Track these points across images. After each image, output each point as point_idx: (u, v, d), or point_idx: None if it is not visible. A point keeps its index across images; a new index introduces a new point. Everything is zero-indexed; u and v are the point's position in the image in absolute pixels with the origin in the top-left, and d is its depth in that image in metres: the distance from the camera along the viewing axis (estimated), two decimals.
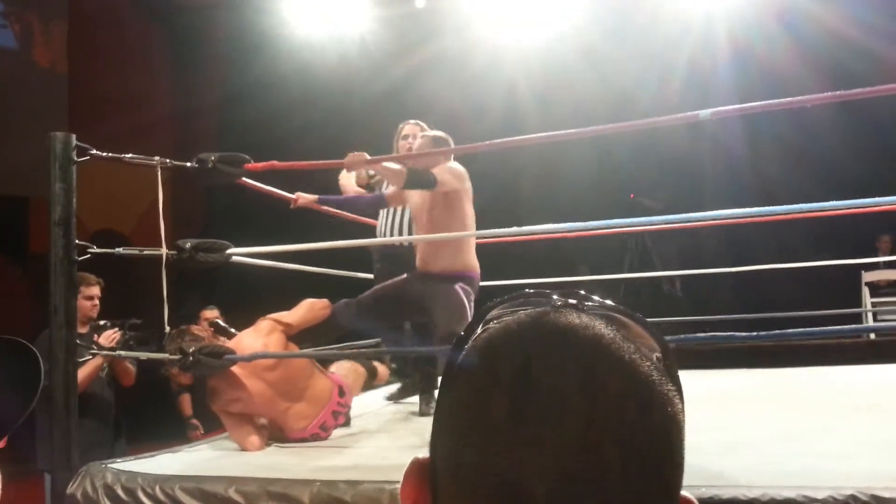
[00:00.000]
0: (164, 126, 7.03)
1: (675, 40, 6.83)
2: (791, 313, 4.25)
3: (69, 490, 2.24)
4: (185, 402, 5.04)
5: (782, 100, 2.20)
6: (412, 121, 3.69)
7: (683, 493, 0.43)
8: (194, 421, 4.94)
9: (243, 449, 2.60)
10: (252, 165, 2.54)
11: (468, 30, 6.95)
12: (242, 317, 5.62)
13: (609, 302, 0.47)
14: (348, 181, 3.78)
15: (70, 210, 2.24)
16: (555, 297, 0.46)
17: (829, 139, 6.40)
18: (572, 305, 0.45)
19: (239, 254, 2.52)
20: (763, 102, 2.32)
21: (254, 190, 2.95)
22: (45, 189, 2.29)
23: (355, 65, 7.44)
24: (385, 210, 3.57)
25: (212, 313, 5.01)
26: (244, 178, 2.66)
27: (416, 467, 0.45)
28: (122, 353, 2.27)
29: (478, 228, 3.12)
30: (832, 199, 2.33)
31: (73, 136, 2.27)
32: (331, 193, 3.61)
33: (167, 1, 7.46)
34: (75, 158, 2.25)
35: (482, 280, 3.11)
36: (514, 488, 0.39)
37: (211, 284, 5.24)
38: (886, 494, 1.64)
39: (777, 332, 2.13)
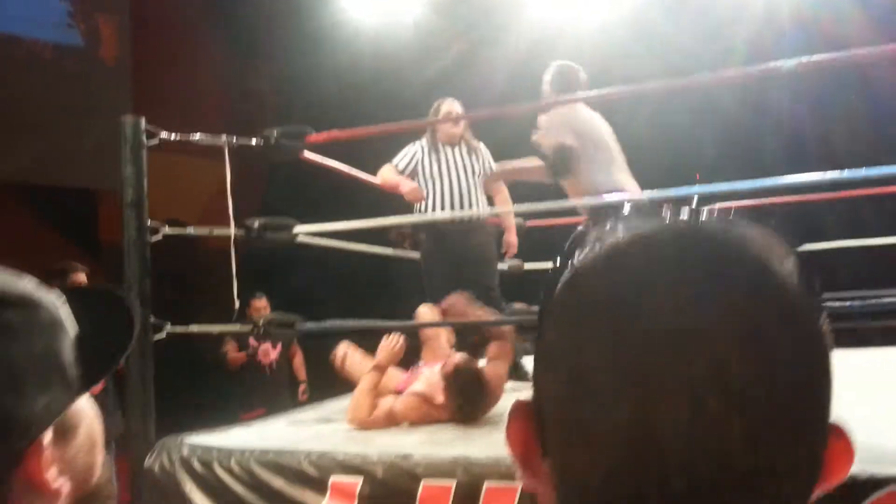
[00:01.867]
0: (222, 116, 7.17)
1: (735, 17, 6.60)
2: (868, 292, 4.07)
3: (147, 464, 2.31)
4: (236, 359, 5.18)
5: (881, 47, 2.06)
6: (449, 99, 3.60)
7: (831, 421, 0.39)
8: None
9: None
10: (314, 137, 2.56)
11: (521, 10, 6.87)
12: (292, 306, 5.71)
13: (731, 213, 0.42)
14: (390, 173, 3.57)
15: (142, 193, 2.30)
16: (665, 210, 0.42)
17: None
18: (689, 218, 0.41)
19: (305, 232, 2.55)
20: (849, 52, 2.20)
21: (313, 167, 2.94)
22: (112, 180, 2.35)
23: (408, 51, 7.44)
24: (431, 177, 3.49)
25: (260, 303, 5.15)
26: (306, 154, 2.68)
27: (520, 410, 0.43)
28: (196, 327, 2.31)
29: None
30: None
31: (143, 120, 2.33)
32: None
33: None
34: (145, 142, 2.30)
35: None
36: (640, 429, 0.36)
37: (264, 273, 5.33)
38: None
39: None
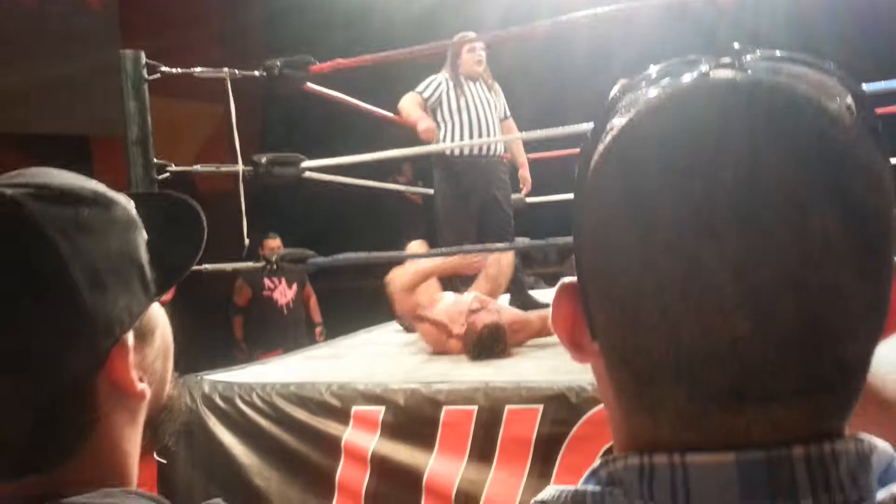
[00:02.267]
0: (214, 47, 6.98)
1: None
2: None
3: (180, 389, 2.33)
4: (238, 324, 5.28)
5: None
6: (471, 33, 3.50)
7: None
8: (243, 345, 5.18)
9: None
10: (318, 67, 2.49)
11: None
12: (303, 245, 5.72)
13: (779, 53, 0.38)
14: (412, 104, 3.50)
15: (146, 129, 2.25)
16: (704, 60, 0.38)
17: None
18: (730, 64, 0.37)
19: (313, 167, 2.51)
20: None
21: (314, 104, 2.89)
22: (105, 126, 2.29)
23: None
24: (457, 112, 3.46)
25: (274, 242, 5.14)
26: (309, 85, 2.61)
27: (567, 291, 0.42)
28: (209, 266, 2.30)
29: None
30: None
31: (143, 54, 2.25)
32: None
33: None
34: (146, 76, 2.23)
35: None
36: (697, 305, 0.34)
37: (277, 211, 5.33)
38: None
39: None
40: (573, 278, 0.41)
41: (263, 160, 2.38)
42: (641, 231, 0.36)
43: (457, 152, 3.42)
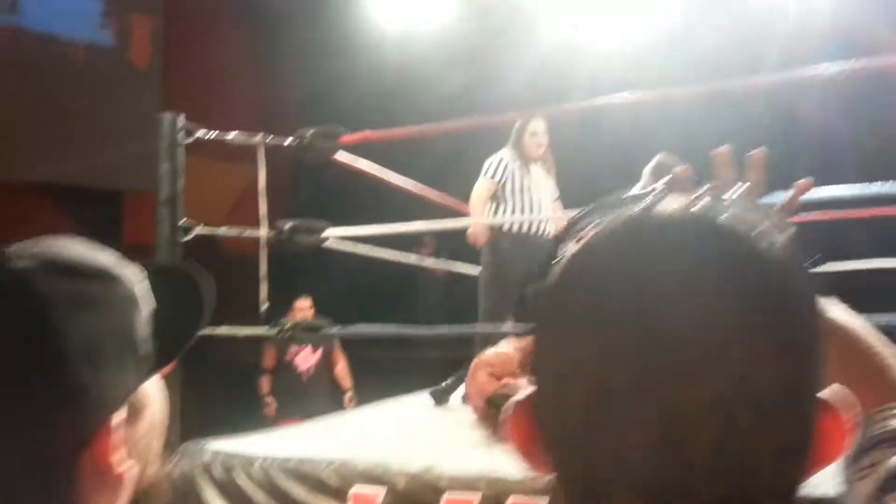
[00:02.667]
0: (251, 121, 7.21)
1: (768, 30, 6.52)
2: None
3: (167, 469, 2.28)
4: (264, 383, 5.24)
5: None
6: (537, 118, 3.71)
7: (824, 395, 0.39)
8: (268, 399, 5.14)
9: None
10: (347, 138, 2.53)
11: (549, 21, 6.85)
12: (332, 308, 5.70)
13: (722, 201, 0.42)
14: (483, 197, 3.66)
15: (176, 190, 2.28)
16: (646, 199, 0.42)
17: None
18: (666, 209, 0.40)
19: (336, 235, 2.52)
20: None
21: (341, 173, 2.92)
22: (140, 181, 2.34)
23: (433, 58, 7.44)
24: (520, 192, 3.60)
25: (304, 303, 5.16)
26: (339, 156, 2.65)
27: (523, 405, 0.43)
28: (223, 329, 2.28)
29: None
30: None
31: (181, 117, 2.31)
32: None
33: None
34: (182, 140, 2.28)
35: None
36: (668, 443, 0.36)
37: (305, 274, 5.34)
38: None
39: None
40: (529, 391, 0.43)
41: (286, 226, 2.39)
42: (579, 357, 0.38)
43: (514, 229, 3.54)
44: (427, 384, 3.22)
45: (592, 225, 0.42)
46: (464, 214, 3.79)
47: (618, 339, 0.37)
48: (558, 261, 0.42)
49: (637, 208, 0.41)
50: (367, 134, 2.56)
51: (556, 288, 0.41)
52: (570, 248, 0.42)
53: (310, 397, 5.12)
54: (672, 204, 0.40)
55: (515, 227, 3.57)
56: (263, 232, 2.36)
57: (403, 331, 2.59)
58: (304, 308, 5.06)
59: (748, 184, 0.59)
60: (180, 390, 2.24)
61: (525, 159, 3.68)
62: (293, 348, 5.08)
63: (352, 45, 7.16)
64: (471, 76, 7.25)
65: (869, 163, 5.99)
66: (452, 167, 6.34)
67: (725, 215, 0.39)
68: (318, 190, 6.42)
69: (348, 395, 5.36)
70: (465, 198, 3.85)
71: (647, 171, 3.31)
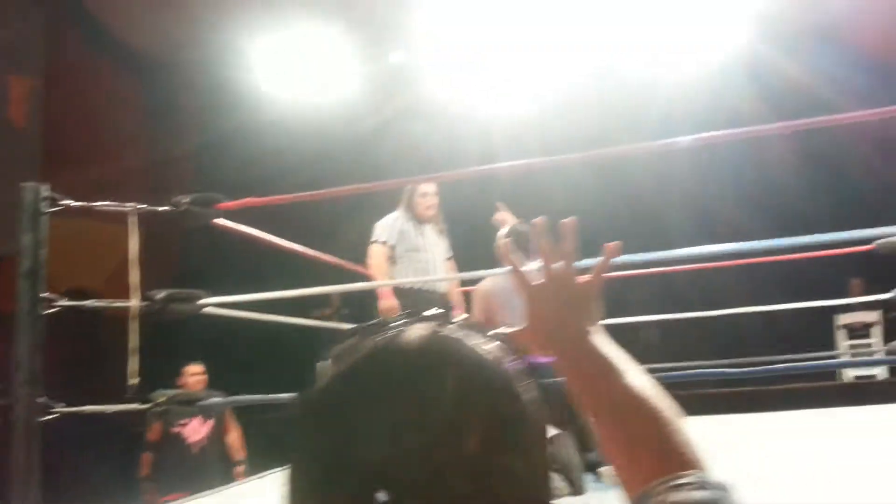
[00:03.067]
0: (138, 179, 7.01)
1: (656, 107, 7.02)
2: (767, 357, 4.29)
3: None
4: (146, 462, 4.88)
5: (755, 127, 2.26)
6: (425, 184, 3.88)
7: None
8: (149, 484, 4.79)
9: None
10: (226, 204, 2.53)
11: (446, 85, 7.10)
12: (223, 372, 5.51)
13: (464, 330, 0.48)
14: (381, 264, 3.77)
15: (38, 262, 2.20)
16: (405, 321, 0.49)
17: (796, 191, 6.61)
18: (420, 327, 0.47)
19: (212, 304, 2.48)
20: (739, 130, 2.39)
21: (231, 235, 2.91)
22: (13, 246, 2.25)
23: (332, 118, 7.53)
24: (414, 251, 3.75)
25: (197, 368, 4.94)
26: (219, 221, 2.64)
27: None
28: (87, 408, 2.18)
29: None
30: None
31: (44, 187, 2.25)
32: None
33: (142, 56, 7.54)
34: (45, 209, 2.22)
35: None
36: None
37: (193, 338, 5.15)
38: None
39: (748, 369, 2.13)
40: None
41: (159, 296, 2.34)
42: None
43: (407, 288, 3.67)
44: None
45: (350, 346, 0.48)
46: (360, 275, 3.83)
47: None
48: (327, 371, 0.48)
49: (385, 336, 0.47)
50: (248, 201, 2.58)
51: (316, 400, 0.46)
52: (331, 367, 0.48)
53: (200, 471, 4.81)
54: (416, 332, 0.47)
55: (409, 286, 3.69)
56: (134, 302, 2.30)
57: (276, 397, 2.55)
58: (195, 373, 4.84)
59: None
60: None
61: (416, 220, 3.82)
62: (183, 420, 4.82)
63: (244, 103, 7.14)
64: (361, 142, 7.38)
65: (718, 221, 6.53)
66: (345, 230, 6.40)
67: (456, 341, 0.46)
68: (210, 249, 6.28)
69: (239, 467, 5.10)
70: (355, 258, 3.88)
71: (501, 234, 3.48)
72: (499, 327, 0.55)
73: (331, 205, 6.92)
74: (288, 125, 7.24)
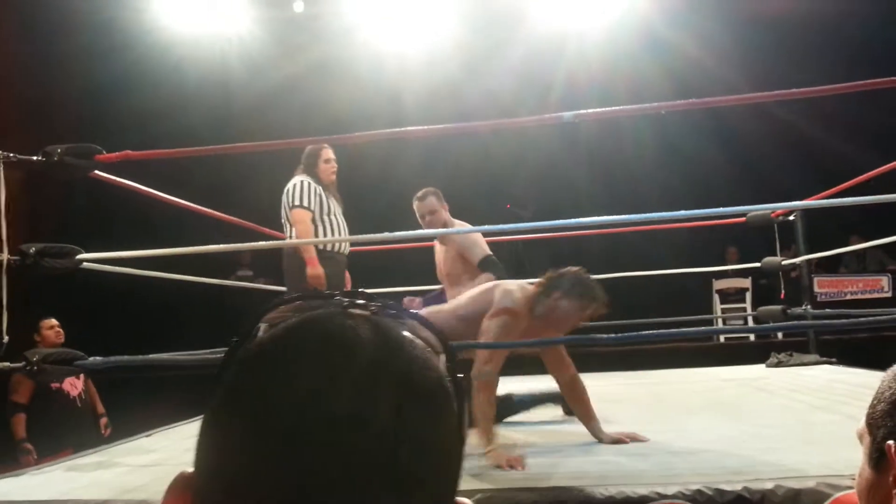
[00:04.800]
0: (19, 124, 6.50)
1: (551, 58, 7.12)
2: (651, 320, 4.53)
3: None
4: (19, 423, 4.65)
5: (637, 105, 2.34)
6: (326, 146, 3.97)
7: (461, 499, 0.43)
8: (27, 445, 4.56)
9: None
10: (104, 156, 2.39)
11: (349, 35, 6.92)
12: (91, 328, 5.27)
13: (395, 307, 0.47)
14: (309, 228, 3.83)
15: None
16: (335, 299, 0.46)
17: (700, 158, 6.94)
18: (345, 308, 0.45)
19: (92, 260, 2.36)
20: (620, 108, 2.46)
21: (116, 188, 2.75)
22: None
23: (234, 66, 7.23)
24: (328, 216, 3.89)
25: (49, 323, 4.77)
26: (100, 173, 2.49)
27: (182, 481, 0.44)
28: None
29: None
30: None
31: None
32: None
33: None
34: None
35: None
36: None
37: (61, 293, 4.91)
38: (727, 487, 1.77)
39: (632, 334, 2.24)
40: (191, 470, 0.44)
41: (33, 250, 2.20)
42: (234, 452, 0.41)
43: (323, 249, 3.82)
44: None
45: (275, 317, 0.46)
46: (262, 234, 3.76)
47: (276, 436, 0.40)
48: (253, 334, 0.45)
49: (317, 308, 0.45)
50: (127, 153, 2.43)
51: (230, 376, 0.43)
52: (262, 332, 0.45)
53: (82, 425, 4.71)
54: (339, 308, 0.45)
55: (328, 248, 3.86)
56: (5, 256, 2.15)
57: (163, 358, 2.48)
58: (53, 326, 4.74)
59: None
60: None
61: (323, 185, 3.92)
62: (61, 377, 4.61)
63: (134, 44, 6.73)
64: (272, 88, 7.12)
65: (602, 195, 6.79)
66: (248, 190, 6.20)
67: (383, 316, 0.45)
68: (94, 203, 5.94)
69: (104, 420, 5.00)
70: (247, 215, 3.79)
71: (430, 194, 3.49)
72: None
73: (234, 163, 6.70)
74: (185, 74, 6.88)
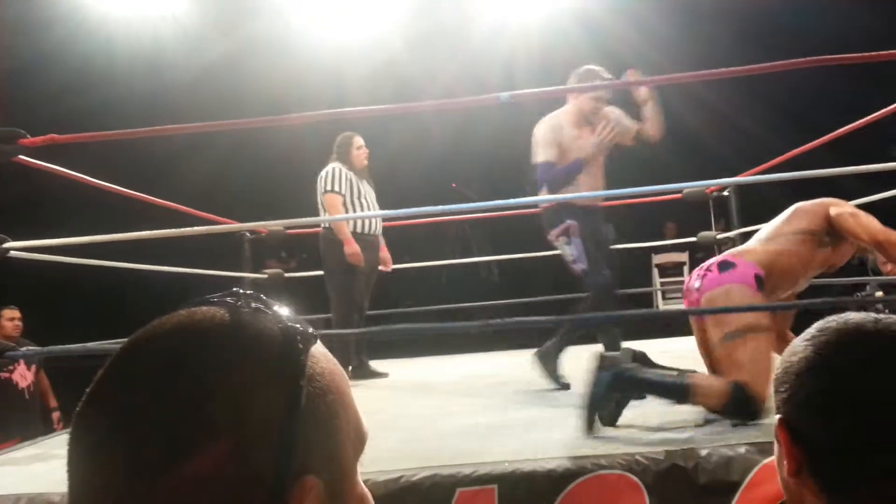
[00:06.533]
0: None
1: (492, 41, 7.14)
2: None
3: None
4: None
5: (571, 86, 2.37)
6: (356, 134, 4.26)
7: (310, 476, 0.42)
8: None
9: None
10: (28, 140, 2.29)
11: (288, 15, 6.78)
12: (41, 317, 5.14)
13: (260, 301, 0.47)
14: (340, 211, 4.08)
15: None
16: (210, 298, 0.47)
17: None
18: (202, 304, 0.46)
19: (17, 248, 2.27)
20: (554, 88, 2.49)
21: (43, 173, 2.64)
22: None
23: (167, 45, 7.00)
24: (358, 199, 4.13)
25: (14, 313, 4.78)
26: (25, 158, 2.38)
27: None
28: None
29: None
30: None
31: None
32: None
33: None
34: None
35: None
36: None
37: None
38: (662, 456, 1.83)
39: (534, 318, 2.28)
40: None
41: None
42: None
43: (355, 230, 4.08)
44: None
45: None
46: (199, 219, 3.69)
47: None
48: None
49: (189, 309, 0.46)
50: (52, 137, 2.34)
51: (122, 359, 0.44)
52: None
53: (30, 416, 4.70)
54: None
55: (358, 229, 4.11)
56: None
57: (91, 347, 2.42)
58: (13, 318, 4.79)
59: None
60: None
61: (356, 170, 4.20)
62: (12, 365, 4.57)
63: (62, 19, 6.44)
64: (206, 66, 6.93)
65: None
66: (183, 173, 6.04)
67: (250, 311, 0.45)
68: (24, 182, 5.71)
69: (56, 413, 4.96)
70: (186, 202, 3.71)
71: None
72: None
73: (167, 144, 6.51)
74: (115, 51, 6.63)
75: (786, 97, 6.36)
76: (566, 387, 3.03)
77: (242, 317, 0.45)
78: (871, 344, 0.65)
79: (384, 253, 4.38)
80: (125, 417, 0.41)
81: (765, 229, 2.54)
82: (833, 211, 2.44)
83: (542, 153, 3.22)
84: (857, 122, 3.18)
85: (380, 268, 4.38)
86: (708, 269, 2.37)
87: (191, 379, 0.41)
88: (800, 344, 0.69)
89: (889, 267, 4.29)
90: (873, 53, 2.36)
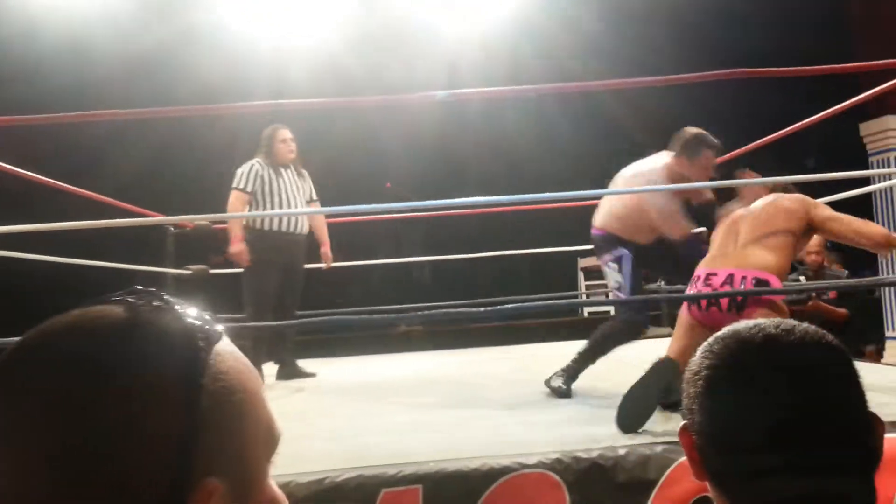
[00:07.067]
0: None
1: (434, 42, 7.16)
2: (520, 297, 4.73)
3: None
4: None
5: (508, 87, 2.41)
6: (282, 126, 4.04)
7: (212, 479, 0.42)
8: None
9: None
10: None
11: (226, 7, 6.62)
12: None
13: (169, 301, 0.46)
14: (238, 207, 3.87)
15: None
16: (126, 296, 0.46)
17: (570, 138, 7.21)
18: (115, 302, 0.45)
19: None
20: (491, 89, 2.54)
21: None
22: None
23: (96, 30, 6.73)
24: (275, 195, 3.93)
25: None
26: None
27: None
28: None
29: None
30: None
31: None
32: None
33: None
34: None
35: None
36: None
37: None
38: (584, 455, 1.89)
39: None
40: None
41: None
42: None
43: (267, 228, 3.90)
44: None
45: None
46: (122, 211, 3.57)
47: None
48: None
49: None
50: None
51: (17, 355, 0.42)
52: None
53: None
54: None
55: (268, 226, 3.91)
56: None
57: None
58: None
59: None
60: None
61: (277, 165, 3.97)
62: None
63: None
64: (139, 55, 6.72)
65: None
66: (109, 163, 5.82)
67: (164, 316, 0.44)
68: None
69: None
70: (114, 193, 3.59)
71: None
72: None
73: (92, 134, 6.27)
74: (41, 38, 6.34)
75: (717, 105, 6.62)
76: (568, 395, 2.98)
77: (140, 315, 0.44)
78: (741, 351, 0.69)
79: (324, 249, 4.21)
80: (12, 424, 0.39)
81: (752, 229, 2.55)
82: (816, 214, 2.51)
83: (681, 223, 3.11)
84: (778, 133, 3.35)
85: (321, 265, 4.23)
86: (730, 285, 2.41)
87: (82, 382, 0.40)
88: (698, 352, 0.73)
89: (812, 257, 4.51)
90: (801, 68, 2.48)
